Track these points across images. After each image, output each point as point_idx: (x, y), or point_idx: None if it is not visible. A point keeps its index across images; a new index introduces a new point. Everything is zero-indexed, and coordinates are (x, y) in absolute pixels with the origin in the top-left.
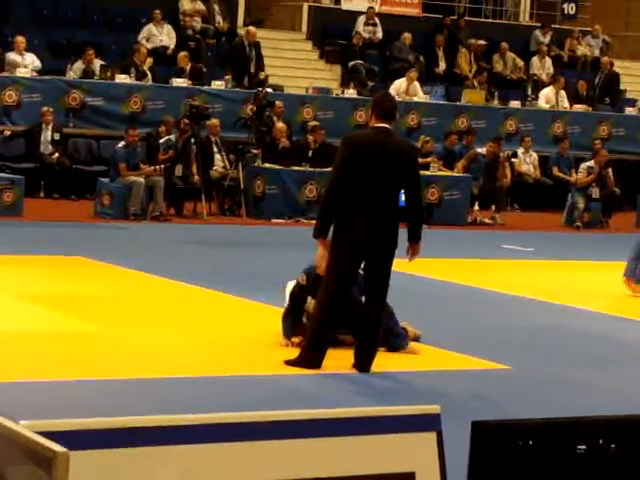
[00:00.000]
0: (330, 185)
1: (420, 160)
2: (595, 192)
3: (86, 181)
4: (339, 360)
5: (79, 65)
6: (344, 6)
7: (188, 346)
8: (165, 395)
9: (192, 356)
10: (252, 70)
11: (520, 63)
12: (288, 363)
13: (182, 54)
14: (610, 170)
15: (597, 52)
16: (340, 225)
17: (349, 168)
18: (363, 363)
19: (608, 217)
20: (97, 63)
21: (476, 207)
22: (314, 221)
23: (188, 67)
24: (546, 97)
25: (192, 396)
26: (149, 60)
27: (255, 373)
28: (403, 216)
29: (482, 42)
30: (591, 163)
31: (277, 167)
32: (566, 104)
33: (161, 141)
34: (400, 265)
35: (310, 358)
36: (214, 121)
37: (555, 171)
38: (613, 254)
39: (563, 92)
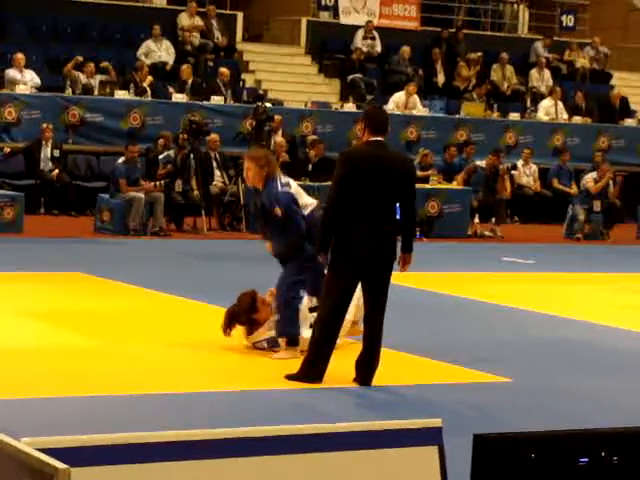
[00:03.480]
0: (330, 202)
1: (419, 173)
2: (596, 205)
3: (86, 197)
4: (340, 374)
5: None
6: (342, 20)
7: (189, 361)
8: (167, 411)
9: (193, 371)
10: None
11: (514, 80)
12: (289, 377)
13: (185, 66)
14: (611, 182)
15: (596, 64)
16: (339, 240)
17: (348, 184)
18: (364, 377)
19: (609, 229)
20: (97, 78)
21: (476, 220)
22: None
23: (190, 81)
24: (545, 109)
25: (194, 411)
26: (149, 78)
27: (256, 388)
28: (398, 228)
29: (480, 54)
30: (594, 174)
31: None
32: (565, 115)
33: (160, 157)
34: (399, 278)
35: (311, 372)
36: (213, 136)
37: (555, 183)
38: (614, 266)
39: (561, 103)
